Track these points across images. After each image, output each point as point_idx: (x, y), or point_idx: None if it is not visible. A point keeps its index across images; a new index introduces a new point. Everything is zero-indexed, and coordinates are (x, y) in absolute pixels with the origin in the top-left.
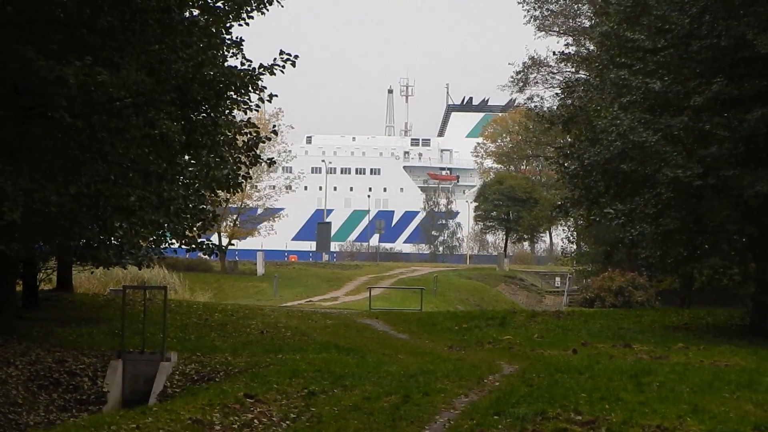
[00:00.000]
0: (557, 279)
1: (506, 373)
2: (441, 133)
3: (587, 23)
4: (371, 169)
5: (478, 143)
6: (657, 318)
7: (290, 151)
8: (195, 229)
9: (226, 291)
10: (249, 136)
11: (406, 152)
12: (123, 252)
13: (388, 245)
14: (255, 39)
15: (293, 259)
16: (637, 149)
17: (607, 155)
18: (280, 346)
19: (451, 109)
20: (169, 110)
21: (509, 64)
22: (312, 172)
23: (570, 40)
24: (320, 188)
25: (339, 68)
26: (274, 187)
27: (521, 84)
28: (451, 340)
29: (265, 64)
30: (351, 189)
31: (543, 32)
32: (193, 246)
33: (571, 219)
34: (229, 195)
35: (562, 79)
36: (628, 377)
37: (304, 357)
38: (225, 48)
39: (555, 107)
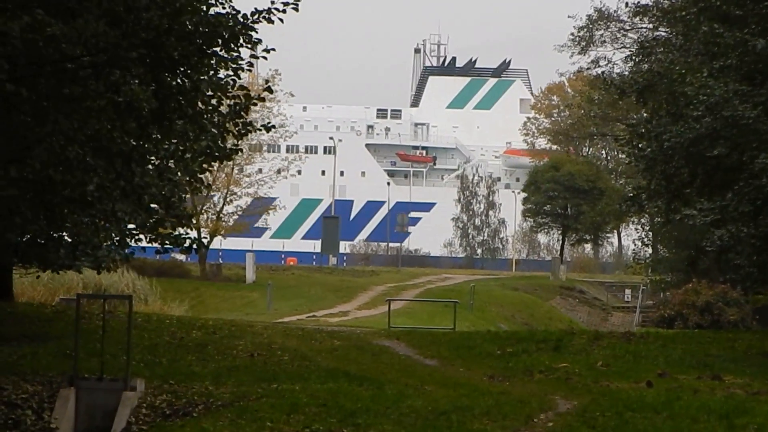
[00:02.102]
0: (627, 292)
1: (562, 411)
2: (415, 103)
3: None
4: (325, 148)
5: (528, 118)
6: (754, 343)
7: (372, 126)
8: (169, 222)
9: (206, 302)
10: (237, 100)
11: (370, 126)
12: (78, 251)
13: (413, 246)
14: None
15: (292, 263)
16: (731, 127)
17: (693, 135)
18: (275, 373)
19: (428, 72)
20: (137, 71)
21: (569, 17)
22: (249, 150)
23: None
24: (260, 170)
25: (351, 25)
26: (260, 170)
27: (584, 43)
28: (491, 367)
29: (260, 9)
30: (299, 172)
31: None
32: (167, 243)
33: (646, 215)
34: (212, 177)
35: (636, 37)
36: (718, 418)
37: (305, 387)
38: None
39: (627, 73)
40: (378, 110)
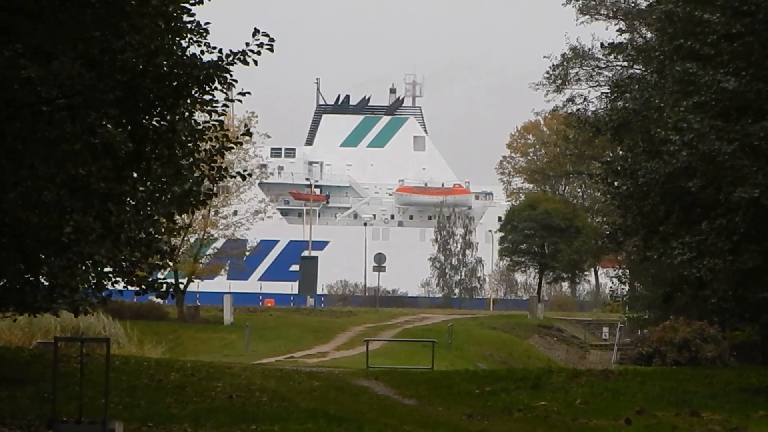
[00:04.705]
0: (605, 329)
1: None
2: (309, 141)
3: (644, 3)
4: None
5: (504, 157)
6: (732, 379)
7: (266, 165)
8: (147, 265)
9: (184, 344)
10: (213, 142)
11: (263, 165)
12: (55, 294)
13: (391, 287)
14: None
15: (270, 304)
16: (707, 162)
17: (669, 170)
18: (254, 414)
19: (322, 110)
20: (113, 113)
21: (545, 57)
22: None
23: (622, 25)
24: (235, 212)
25: (324, 64)
26: (235, 212)
27: (559, 81)
28: (470, 406)
29: (235, 50)
30: (192, 212)
31: (587, 15)
32: (144, 287)
33: (623, 253)
34: (189, 219)
35: (611, 75)
36: None
37: (285, 428)
38: (184, 34)
39: (602, 111)
40: (272, 149)
